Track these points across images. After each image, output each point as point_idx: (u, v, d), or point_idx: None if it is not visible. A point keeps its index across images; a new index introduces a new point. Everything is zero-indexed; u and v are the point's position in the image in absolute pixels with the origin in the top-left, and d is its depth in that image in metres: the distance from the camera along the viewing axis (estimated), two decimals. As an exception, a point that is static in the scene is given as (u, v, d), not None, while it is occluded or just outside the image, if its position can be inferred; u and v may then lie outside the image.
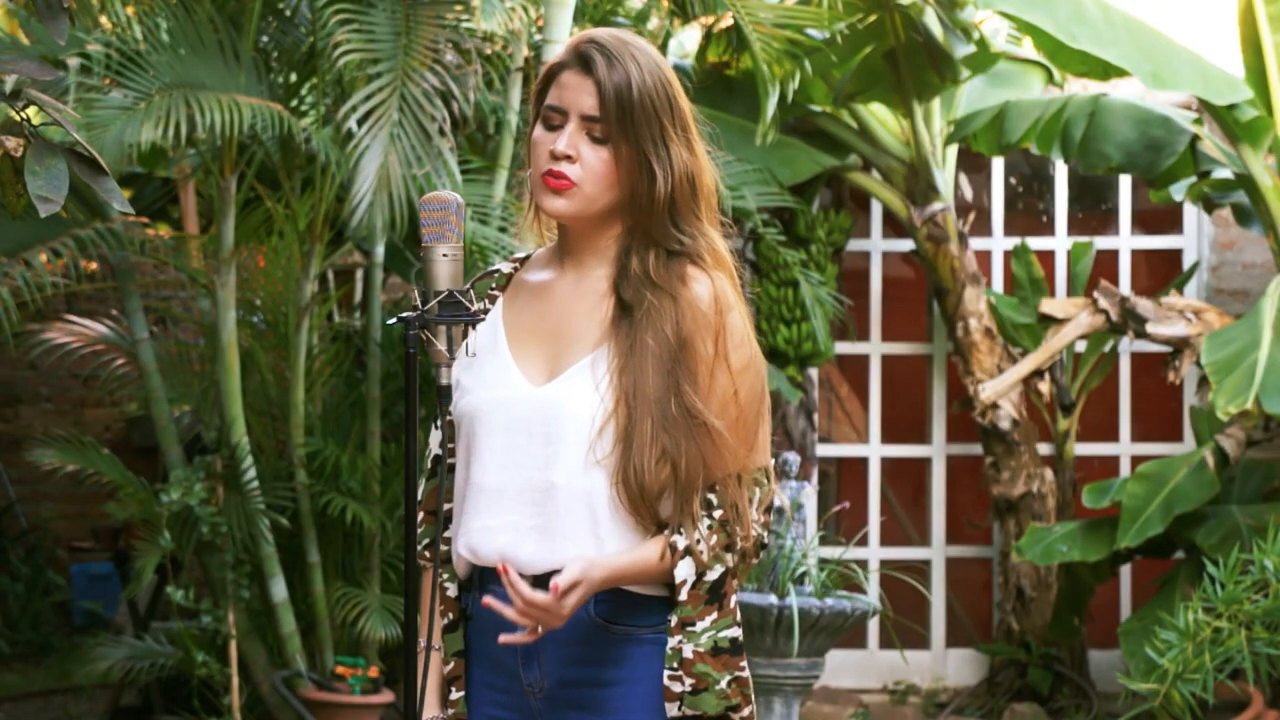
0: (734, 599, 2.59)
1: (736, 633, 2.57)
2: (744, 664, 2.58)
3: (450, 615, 2.68)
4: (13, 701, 8.15)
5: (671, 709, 2.56)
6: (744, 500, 2.58)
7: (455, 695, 2.68)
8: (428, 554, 2.69)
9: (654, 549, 2.54)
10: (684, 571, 2.54)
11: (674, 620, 2.55)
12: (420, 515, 2.72)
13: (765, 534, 2.62)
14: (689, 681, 2.55)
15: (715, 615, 2.56)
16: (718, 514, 2.56)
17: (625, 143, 2.58)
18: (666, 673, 2.55)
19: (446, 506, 2.70)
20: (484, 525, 2.61)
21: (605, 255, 2.65)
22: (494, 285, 2.75)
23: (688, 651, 2.54)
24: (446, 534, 2.70)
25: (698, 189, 2.64)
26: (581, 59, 2.60)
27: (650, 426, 2.53)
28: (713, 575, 2.55)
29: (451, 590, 2.68)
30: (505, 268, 2.77)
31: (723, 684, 2.55)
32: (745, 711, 2.58)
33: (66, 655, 8.98)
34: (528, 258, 2.77)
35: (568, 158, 2.59)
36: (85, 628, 9.42)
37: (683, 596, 2.54)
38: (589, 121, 2.59)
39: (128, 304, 6.79)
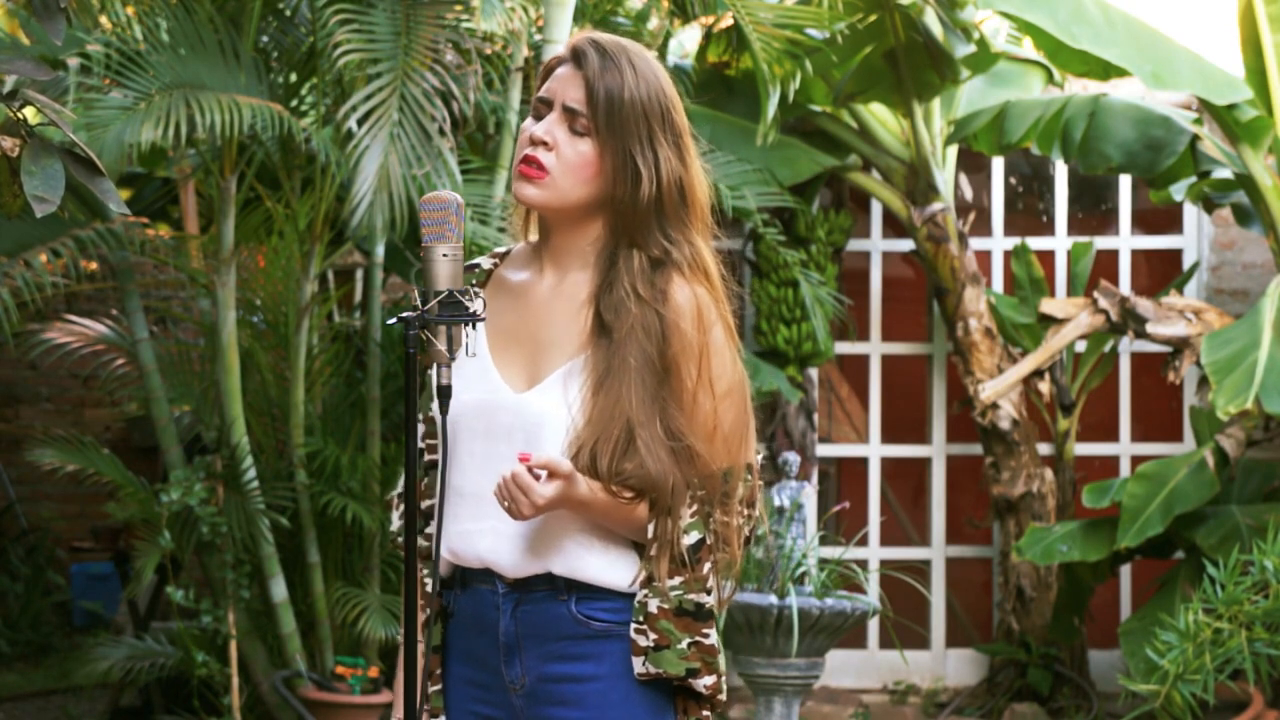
0: (708, 569, 2.57)
1: (704, 600, 2.56)
2: (709, 632, 2.56)
3: (429, 610, 2.67)
4: (13, 701, 8.14)
5: (638, 664, 2.56)
6: (726, 488, 2.58)
7: (431, 689, 2.68)
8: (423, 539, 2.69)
9: (641, 504, 2.55)
10: (655, 527, 2.55)
11: (642, 575, 2.56)
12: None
13: (748, 527, 2.63)
14: (652, 637, 2.55)
15: (684, 578, 2.56)
16: (700, 493, 2.57)
17: (609, 139, 2.58)
18: (633, 625, 2.56)
19: (429, 503, 2.70)
20: (463, 530, 2.62)
21: (586, 259, 2.64)
22: (474, 280, 2.73)
23: (652, 607, 2.55)
24: (429, 530, 2.69)
25: (688, 198, 2.62)
26: (575, 54, 2.62)
27: (628, 444, 2.53)
28: (687, 540, 2.55)
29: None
30: (485, 263, 2.76)
31: (683, 644, 2.55)
32: (708, 680, 2.57)
33: (66, 655, 8.97)
34: (508, 253, 2.77)
35: (544, 144, 2.59)
36: (85, 628, 9.41)
37: (652, 551, 2.55)
38: (571, 114, 2.59)
39: (128, 304, 6.79)
